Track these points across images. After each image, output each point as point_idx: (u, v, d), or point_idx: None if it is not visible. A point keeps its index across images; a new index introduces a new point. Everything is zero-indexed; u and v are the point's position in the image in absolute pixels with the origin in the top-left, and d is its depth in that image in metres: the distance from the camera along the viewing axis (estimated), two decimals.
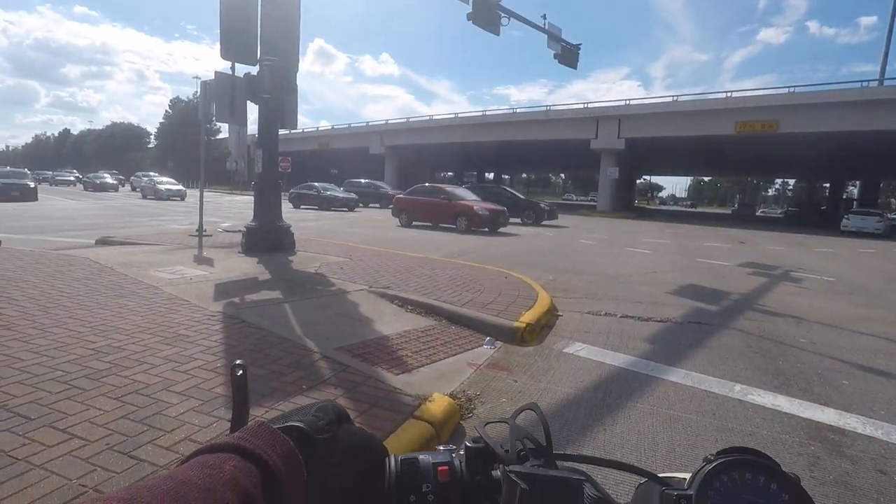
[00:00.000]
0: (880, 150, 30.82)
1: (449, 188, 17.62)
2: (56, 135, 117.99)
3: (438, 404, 2.84)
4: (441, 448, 0.56)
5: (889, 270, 10.91)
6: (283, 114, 7.96)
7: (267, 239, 7.86)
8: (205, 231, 8.93)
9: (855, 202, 46.37)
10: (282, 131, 8.41)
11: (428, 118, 43.04)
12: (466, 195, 17.17)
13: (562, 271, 8.23)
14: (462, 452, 0.54)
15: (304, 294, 5.27)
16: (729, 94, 29.37)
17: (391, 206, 18.40)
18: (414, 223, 16.60)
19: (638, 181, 74.92)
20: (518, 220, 19.77)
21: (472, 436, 0.54)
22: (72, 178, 49.10)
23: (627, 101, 32.54)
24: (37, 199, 21.51)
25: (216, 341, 3.60)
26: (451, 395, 3.09)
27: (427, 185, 18.99)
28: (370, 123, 47.43)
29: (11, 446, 2.13)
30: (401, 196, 18.14)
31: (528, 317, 4.76)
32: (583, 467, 0.55)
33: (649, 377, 3.65)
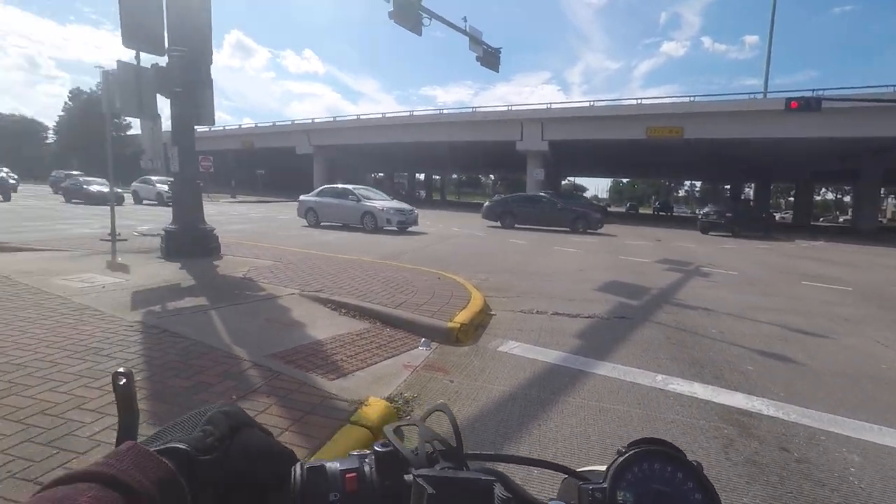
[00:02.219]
0: (768, 156, 34.21)
1: None
2: None
3: (375, 408, 2.82)
4: (353, 454, 0.53)
5: (778, 264, 12.09)
6: (199, 109, 7.54)
7: (189, 242, 7.42)
8: (119, 235, 8.26)
9: (751, 202, 51.31)
10: (201, 128, 7.96)
11: (355, 118, 42.40)
12: None
13: (495, 271, 8.41)
14: (373, 457, 0.52)
15: (232, 300, 5.03)
16: (640, 101, 31.28)
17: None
18: None
19: (563, 182, 78.14)
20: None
21: (383, 440, 0.53)
22: None
23: (549, 105, 33.78)
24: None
25: (135, 353, 3.35)
26: (388, 399, 3.07)
27: None
28: (296, 122, 46.01)
29: None
30: None
31: (461, 317, 4.82)
32: (500, 466, 0.56)
33: (580, 372, 3.81)
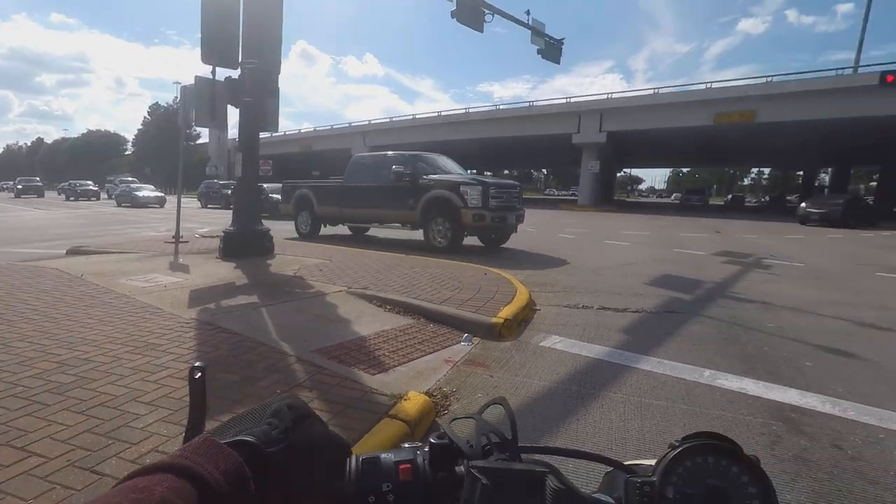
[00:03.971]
0: (852, 137, 31.57)
1: None
2: (29, 144, 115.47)
3: (414, 402, 2.86)
4: (406, 446, 0.55)
5: (852, 254, 11.20)
6: (265, 116, 7.87)
7: (246, 243, 7.78)
8: (182, 237, 8.80)
9: (826, 189, 47.63)
10: (263, 134, 8.30)
11: (411, 117, 42.85)
12: None
13: (542, 266, 8.29)
14: (427, 450, 0.53)
15: (283, 297, 5.24)
16: (708, 86, 29.53)
17: None
18: None
19: (618, 174, 75.77)
20: None
21: (439, 433, 0.54)
22: (39, 185, 43.20)
23: (609, 95, 32.79)
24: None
25: (189, 349, 3.57)
26: (427, 393, 3.11)
27: None
28: (353, 124, 47.05)
29: None
30: None
31: (506, 312, 4.79)
32: (550, 459, 0.55)
33: (623, 367, 3.70)
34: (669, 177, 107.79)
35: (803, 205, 22.35)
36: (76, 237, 11.62)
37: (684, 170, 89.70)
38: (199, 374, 0.49)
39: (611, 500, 0.54)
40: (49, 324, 4.02)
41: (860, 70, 26.65)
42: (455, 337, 4.36)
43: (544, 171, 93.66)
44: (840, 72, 26.48)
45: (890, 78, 15.98)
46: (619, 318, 5.08)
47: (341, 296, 5.43)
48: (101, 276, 5.90)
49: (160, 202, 28.50)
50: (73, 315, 4.29)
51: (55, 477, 2.03)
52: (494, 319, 4.59)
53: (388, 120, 44.64)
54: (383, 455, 0.53)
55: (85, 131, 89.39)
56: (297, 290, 5.63)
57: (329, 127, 49.13)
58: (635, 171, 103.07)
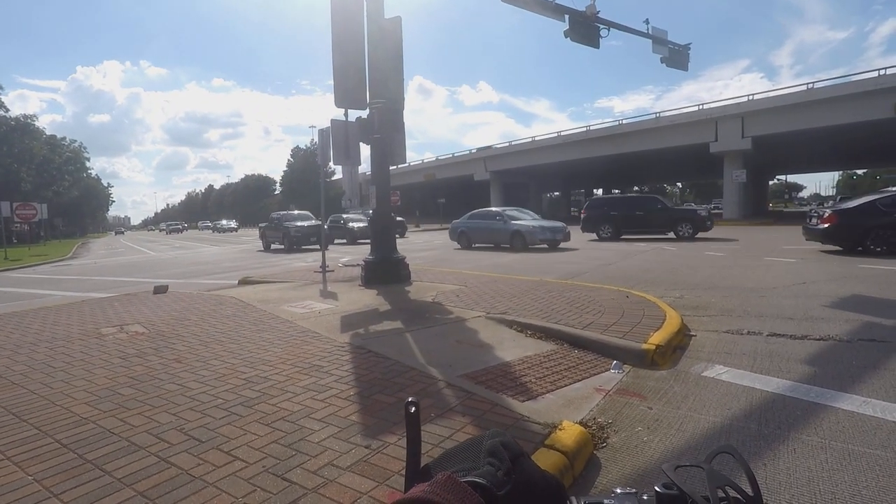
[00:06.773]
0: None
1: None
2: (202, 190, 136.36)
3: (569, 433, 2.71)
4: (619, 491, 0.52)
5: None
6: (393, 150, 8.37)
7: (384, 271, 8.23)
8: (327, 267, 9.59)
9: None
10: (391, 167, 8.80)
11: (530, 140, 42.81)
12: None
13: (690, 287, 7.60)
14: (646, 497, 0.50)
15: (424, 323, 5.40)
16: (882, 73, 25.25)
17: None
18: None
19: (771, 182, 67.79)
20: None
21: (663, 481, 0.51)
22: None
23: (750, 97, 29.63)
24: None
25: (347, 371, 3.80)
26: (582, 423, 2.94)
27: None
28: (473, 151, 48.35)
29: (189, 465, 2.43)
30: None
31: (657, 338, 4.43)
32: None
33: (814, 405, 3.18)
34: (839, 180, 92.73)
35: None
36: (243, 269, 13.30)
37: (859, 172, 76.41)
38: (414, 409, 0.51)
39: None
40: (234, 345, 4.60)
41: None
42: (602, 364, 4.12)
43: (679, 184, 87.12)
44: None
45: None
46: (797, 347, 4.41)
47: (481, 321, 5.44)
48: (267, 303, 6.62)
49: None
50: (251, 338, 4.85)
51: (255, 480, 2.29)
52: (645, 346, 4.27)
53: (507, 144, 45.05)
54: (606, 500, 0.50)
55: (243, 176, 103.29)
56: (437, 315, 5.77)
57: (450, 155, 51.09)
58: (793, 178, 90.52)
